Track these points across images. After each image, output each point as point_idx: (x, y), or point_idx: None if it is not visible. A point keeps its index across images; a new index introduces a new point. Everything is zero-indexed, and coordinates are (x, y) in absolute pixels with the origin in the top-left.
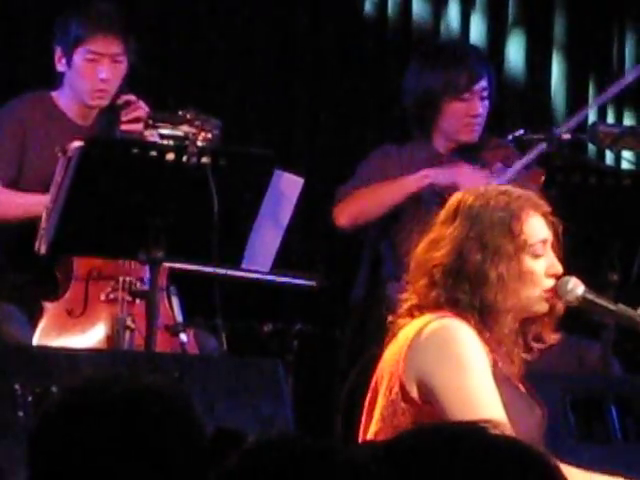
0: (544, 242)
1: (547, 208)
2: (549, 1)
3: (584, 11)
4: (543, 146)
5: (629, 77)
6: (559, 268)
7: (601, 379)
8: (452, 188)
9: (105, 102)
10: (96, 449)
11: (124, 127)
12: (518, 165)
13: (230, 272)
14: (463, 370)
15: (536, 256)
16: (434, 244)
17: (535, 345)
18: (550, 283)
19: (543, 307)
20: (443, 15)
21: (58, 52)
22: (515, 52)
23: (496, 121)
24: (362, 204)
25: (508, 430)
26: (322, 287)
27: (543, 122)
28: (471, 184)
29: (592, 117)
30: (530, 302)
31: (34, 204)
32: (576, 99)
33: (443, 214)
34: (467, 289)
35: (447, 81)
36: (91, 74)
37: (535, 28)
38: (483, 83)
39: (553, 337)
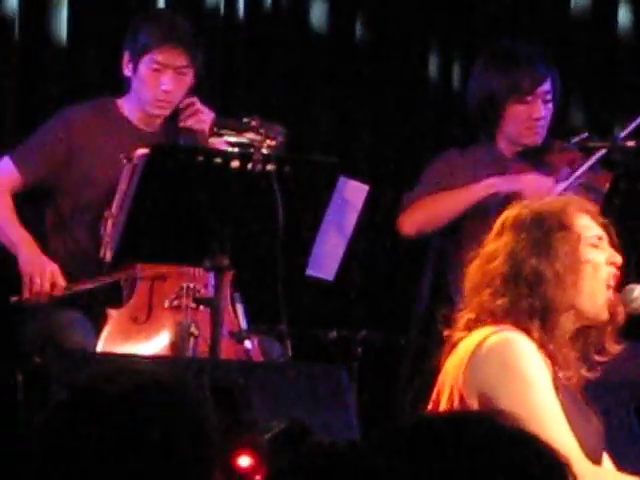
0: (599, 238)
1: (594, 209)
2: None
3: None
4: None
5: None
6: (619, 257)
7: None
8: (517, 196)
9: (167, 112)
10: (100, 446)
11: (185, 123)
12: (580, 170)
13: None
14: (526, 385)
15: (594, 246)
16: (488, 257)
17: (597, 358)
18: (611, 271)
19: (603, 308)
20: None
21: (126, 56)
22: None
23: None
24: (428, 213)
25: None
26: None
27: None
28: (536, 191)
29: None
30: (594, 293)
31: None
32: None
33: (492, 233)
34: (527, 293)
35: (510, 83)
36: (154, 84)
37: None
38: (546, 86)
39: (616, 347)
